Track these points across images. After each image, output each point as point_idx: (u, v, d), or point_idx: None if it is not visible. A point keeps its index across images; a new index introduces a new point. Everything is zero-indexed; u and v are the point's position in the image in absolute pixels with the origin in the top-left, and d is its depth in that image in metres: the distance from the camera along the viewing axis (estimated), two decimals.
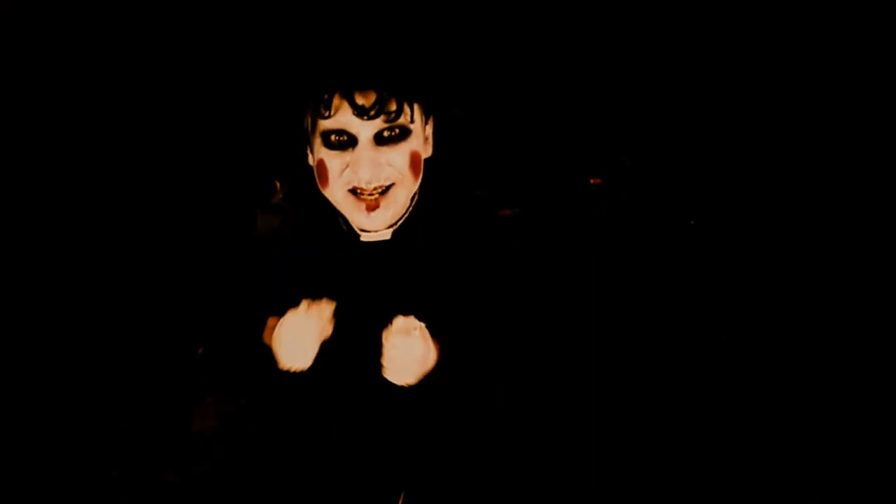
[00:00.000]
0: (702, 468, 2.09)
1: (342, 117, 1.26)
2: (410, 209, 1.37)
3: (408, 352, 1.25)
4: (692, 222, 2.58)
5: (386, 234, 1.36)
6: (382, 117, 1.25)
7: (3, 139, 2.11)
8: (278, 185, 1.52)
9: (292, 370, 1.28)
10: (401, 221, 1.36)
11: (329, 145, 1.28)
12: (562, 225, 2.47)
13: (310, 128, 1.32)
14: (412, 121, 1.29)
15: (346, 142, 1.27)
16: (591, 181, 2.65)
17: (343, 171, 1.28)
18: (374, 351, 1.28)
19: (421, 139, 1.33)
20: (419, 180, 1.33)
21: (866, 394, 2.27)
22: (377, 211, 1.29)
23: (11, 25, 1.98)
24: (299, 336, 1.26)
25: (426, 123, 1.35)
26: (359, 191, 1.29)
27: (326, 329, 1.27)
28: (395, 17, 1.54)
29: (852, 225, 2.46)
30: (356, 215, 1.31)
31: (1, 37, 1.98)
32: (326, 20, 1.57)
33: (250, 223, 1.43)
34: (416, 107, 1.30)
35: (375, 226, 1.31)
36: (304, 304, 1.26)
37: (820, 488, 2.05)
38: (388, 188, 1.29)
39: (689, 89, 2.59)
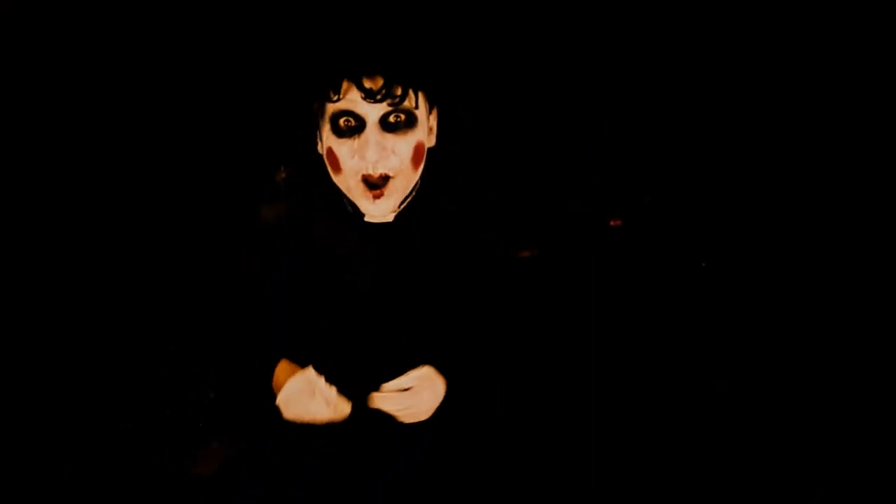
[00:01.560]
0: (702, 468, 2.10)
1: (350, 100, 1.32)
2: (413, 194, 1.44)
3: (423, 402, 1.35)
4: (703, 265, 2.57)
5: (389, 217, 1.43)
6: (388, 101, 1.31)
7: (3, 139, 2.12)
8: (282, 168, 1.56)
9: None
10: (404, 205, 1.43)
11: (338, 131, 1.35)
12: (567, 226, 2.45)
13: (319, 114, 1.38)
14: (416, 107, 1.36)
15: (354, 127, 1.34)
16: (612, 223, 2.62)
17: (352, 157, 1.35)
18: (377, 339, 1.40)
19: (425, 129, 1.40)
20: (419, 170, 1.41)
21: (866, 394, 2.25)
22: (381, 199, 1.37)
23: (11, 25, 2.00)
24: (302, 406, 1.33)
25: (430, 113, 1.42)
26: (367, 178, 1.35)
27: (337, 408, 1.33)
28: (404, 5, 1.59)
29: (854, 246, 2.44)
30: (363, 201, 1.38)
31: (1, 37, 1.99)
32: (336, 8, 1.61)
33: (254, 222, 1.47)
34: (420, 95, 1.36)
35: (380, 212, 1.39)
36: (310, 372, 1.33)
37: (820, 488, 2.05)
38: (388, 179, 1.36)
39: (711, 122, 2.56)
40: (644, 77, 2.49)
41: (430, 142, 1.44)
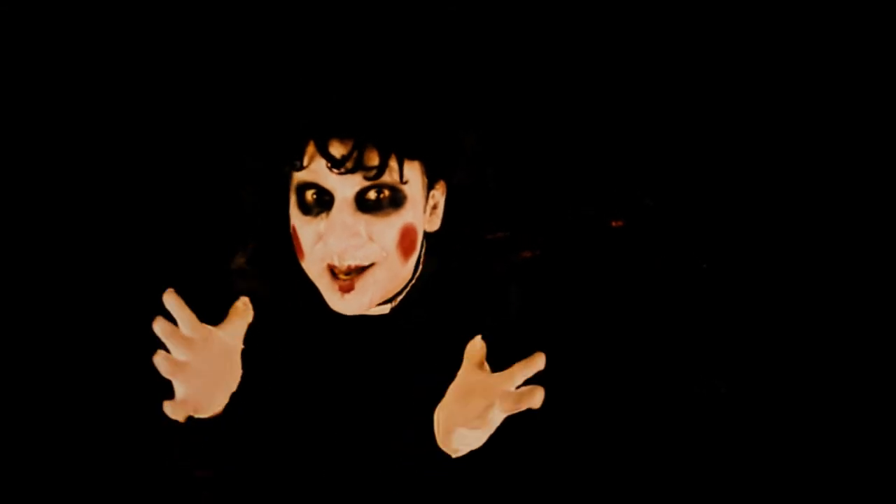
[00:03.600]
0: (702, 468, 2.10)
1: (314, 171, 1.05)
2: (411, 285, 1.16)
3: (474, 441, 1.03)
4: (705, 266, 2.58)
5: (384, 309, 1.16)
6: (361, 173, 1.02)
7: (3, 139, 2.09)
8: (249, 247, 1.28)
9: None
10: (401, 298, 1.16)
11: (303, 207, 1.07)
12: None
13: (287, 182, 1.11)
14: (403, 181, 1.05)
15: (323, 203, 1.05)
16: (614, 224, 2.64)
17: (317, 241, 1.07)
18: (362, 426, 1.14)
19: (420, 209, 1.11)
20: (411, 259, 1.11)
21: (865, 395, 2.26)
22: (351, 294, 1.07)
23: (11, 25, 1.95)
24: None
25: (431, 188, 1.13)
26: (334, 269, 1.07)
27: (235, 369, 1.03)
28: (388, 49, 1.32)
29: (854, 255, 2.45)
30: (330, 296, 1.09)
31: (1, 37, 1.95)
32: (303, 56, 1.36)
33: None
34: (413, 165, 1.07)
35: (351, 310, 1.09)
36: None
37: (818, 487, 2.05)
38: (365, 268, 1.07)
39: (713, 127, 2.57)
40: (643, 80, 2.49)
41: (432, 225, 1.15)
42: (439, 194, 1.14)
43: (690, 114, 2.54)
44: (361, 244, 1.04)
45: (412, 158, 1.06)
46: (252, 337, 1.08)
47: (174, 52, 1.88)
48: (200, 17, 1.82)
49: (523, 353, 1.12)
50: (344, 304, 1.08)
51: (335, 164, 1.01)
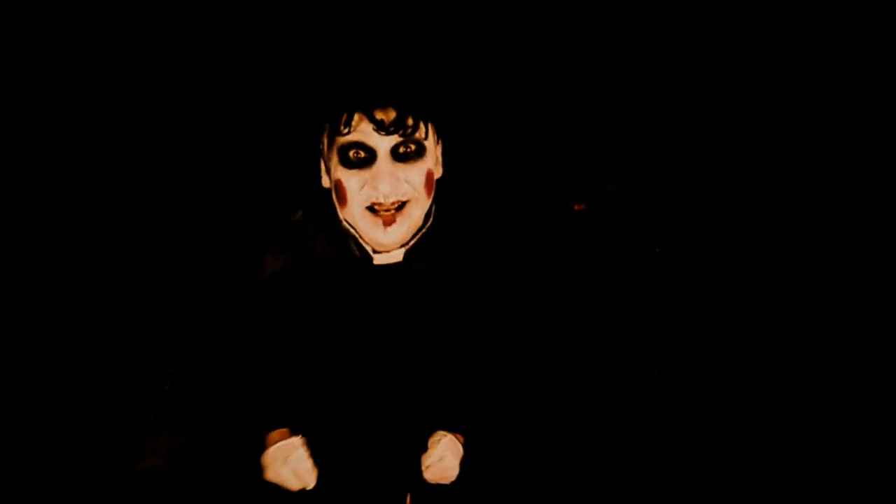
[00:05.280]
0: (702, 468, 2.17)
1: (362, 132, 1.31)
2: (423, 231, 1.40)
3: (447, 469, 1.37)
4: (657, 250, 2.62)
5: (398, 256, 1.39)
6: (400, 132, 1.31)
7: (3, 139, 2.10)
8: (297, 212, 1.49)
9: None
10: (413, 242, 1.39)
11: (347, 163, 1.33)
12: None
13: (326, 148, 1.36)
14: (426, 137, 1.35)
15: (364, 159, 1.32)
16: (575, 207, 2.66)
17: (362, 188, 1.32)
18: (387, 368, 1.38)
19: (434, 159, 1.38)
20: (431, 198, 1.38)
21: (865, 395, 2.32)
22: (393, 226, 1.34)
23: (11, 25, 1.97)
24: (275, 471, 1.34)
25: (437, 144, 1.40)
26: (377, 206, 1.33)
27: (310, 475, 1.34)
28: (414, 40, 1.56)
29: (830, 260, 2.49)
30: (373, 231, 1.34)
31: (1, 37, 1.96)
32: (347, 41, 1.55)
33: (256, 268, 1.41)
34: (430, 126, 1.36)
35: (391, 240, 1.35)
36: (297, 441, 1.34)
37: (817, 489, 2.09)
38: (403, 204, 1.34)
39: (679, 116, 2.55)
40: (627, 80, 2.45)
41: (438, 172, 1.42)
42: (439, 150, 1.42)
43: (663, 104, 2.52)
44: (401, 185, 1.32)
45: (431, 120, 1.36)
46: (287, 285, 1.38)
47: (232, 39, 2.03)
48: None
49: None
50: (386, 235, 1.34)
51: (382, 127, 1.30)
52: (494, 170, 1.54)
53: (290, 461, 1.33)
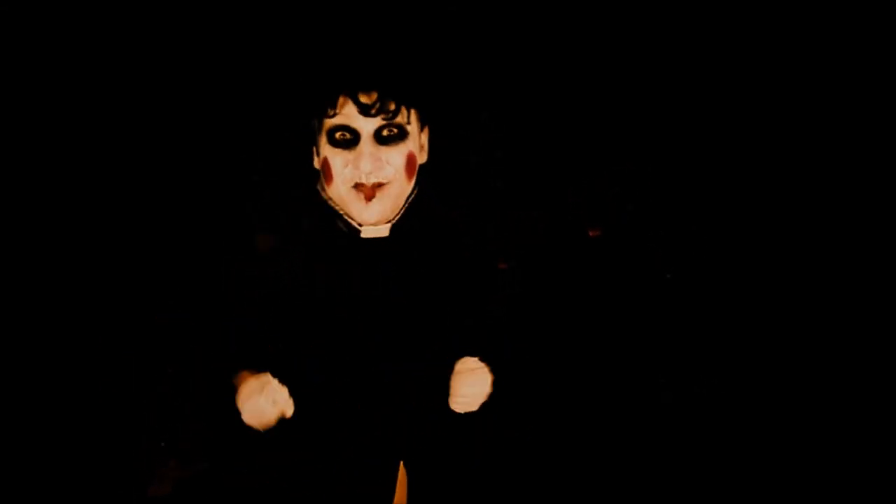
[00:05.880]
0: (702, 468, 2.15)
1: (346, 115, 1.38)
2: (406, 207, 1.46)
3: (477, 390, 1.40)
4: (668, 276, 2.61)
5: (384, 231, 1.45)
6: (382, 115, 1.37)
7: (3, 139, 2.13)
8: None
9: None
10: (397, 217, 1.45)
11: (333, 142, 1.40)
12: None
13: (316, 130, 1.43)
14: (408, 122, 1.41)
15: (349, 140, 1.39)
16: (591, 233, 2.65)
17: (346, 166, 1.39)
18: (374, 343, 1.41)
19: (417, 144, 1.45)
20: (413, 182, 1.45)
21: (864, 396, 2.30)
22: (374, 200, 1.40)
23: (11, 25, 2.00)
24: (252, 404, 1.34)
25: (422, 130, 1.47)
26: (359, 186, 1.39)
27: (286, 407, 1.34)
28: (398, 26, 1.62)
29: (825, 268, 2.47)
30: (355, 205, 1.41)
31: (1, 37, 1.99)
32: (333, 28, 1.65)
33: (247, 241, 1.47)
34: (412, 111, 1.42)
35: (373, 215, 1.41)
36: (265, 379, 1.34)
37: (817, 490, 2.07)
38: (383, 184, 1.40)
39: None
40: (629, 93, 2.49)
41: (422, 158, 1.48)
42: (425, 137, 1.48)
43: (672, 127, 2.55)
44: (382, 166, 1.39)
45: (413, 106, 1.42)
46: (276, 263, 1.43)
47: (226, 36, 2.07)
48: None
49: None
50: (368, 210, 1.41)
51: (364, 109, 1.37)
52: (494, 170, 1.57)
53: (266, 392, 1.33)
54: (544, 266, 2.21)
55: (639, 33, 2.40)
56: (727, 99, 2.51)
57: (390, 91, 1.38)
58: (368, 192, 1.40)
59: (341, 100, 1.38)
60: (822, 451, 2.23)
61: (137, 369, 2.12)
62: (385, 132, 1.39)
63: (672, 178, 2.55)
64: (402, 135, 1.40)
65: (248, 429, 1.37)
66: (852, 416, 2.30)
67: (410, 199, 1.47)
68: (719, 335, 2.50)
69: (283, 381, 1.38)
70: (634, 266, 2.55)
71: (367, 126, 1.39)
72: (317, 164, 1.46)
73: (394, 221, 1.45)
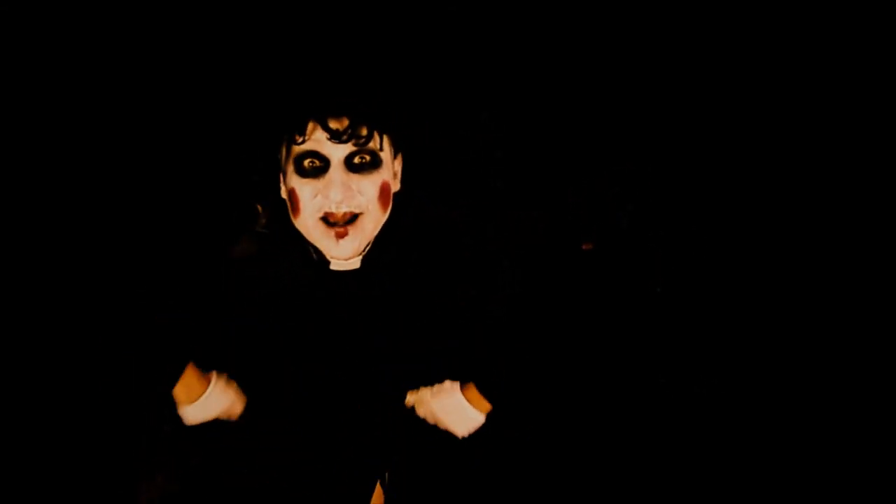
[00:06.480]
0: (701, 468, 2.12)
1: (315, 141, 1.31)
2: (378, 235, 1.40)
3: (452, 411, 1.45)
4: (659, 290, 2.61)
5: (355, 263, 1.39)
6: (353, 141, 1.30)
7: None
8: (260, 209, 1.55)
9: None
10: (368, 249, 1.39)
11: (301, 172, 1.32)
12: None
13: (283, 157, 1.36)
14: (381, 148, 1.34)
15: (318, 168, 1.31)
16: (584, 247, 2.65)
17: (315, 196, 1.32)
18: (341, 368, 1.40)
19: (391, 171, 1.37)
20: (387, 212, 1.38)
21: (863, 396, 2.29)
22: (346, 239, 1.32)
23: (11, 25, 1.99)
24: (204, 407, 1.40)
25: (395, 157, 1.40)
26: (329, 217, 1.32)
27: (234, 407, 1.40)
28: (370, 51, 1.57)
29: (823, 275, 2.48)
30: (326, 242, 1.34)
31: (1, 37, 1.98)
32: (303, 52, 1.58)
33: (226, 254, 1.42)
34: (385, 137, 1.35)
35: (344, 253, 1.34)
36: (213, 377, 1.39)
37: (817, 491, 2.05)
38: (355, 217, 1.33)
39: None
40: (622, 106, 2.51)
41: (396, 186, 1.41)
42: (398, 164, 1.41)
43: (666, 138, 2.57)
44: (353, 195, 1.31)
45: (386, 132, 1.35)
46: (250, 290, 1.39)
47: (188, 48, 2.03)
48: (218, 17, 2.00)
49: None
50: (339, 248, 1.34)
51: (335, 135, 1.30)
52: (494, 170, 1.56)
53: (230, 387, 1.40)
54: (544, 266, 2.21)
55: (638, 34, 2.42)
56: (727, 99, 2.53)
57: (362, 116, 1.32)
58: (340, 230, 1.32)
59: (310, 126, 1.31)
60: (822, 450, 2.22)
61: (137, 369, 2.09)
62: (357, 159, 1.31)
63: (672, 179, 2.56)
64: (375, 163, 1.33)
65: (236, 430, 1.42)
66: (852, 416, 2.30)
67: (383, 226, 1.40)
68: (719, 335, 2.50)
69: (250, 397, 1.42)
70: (634, 266, 2.56)
71: (336, 152, 1.31)
72: (283, 194, 1.38)
73: (364, 253, 1.40)
